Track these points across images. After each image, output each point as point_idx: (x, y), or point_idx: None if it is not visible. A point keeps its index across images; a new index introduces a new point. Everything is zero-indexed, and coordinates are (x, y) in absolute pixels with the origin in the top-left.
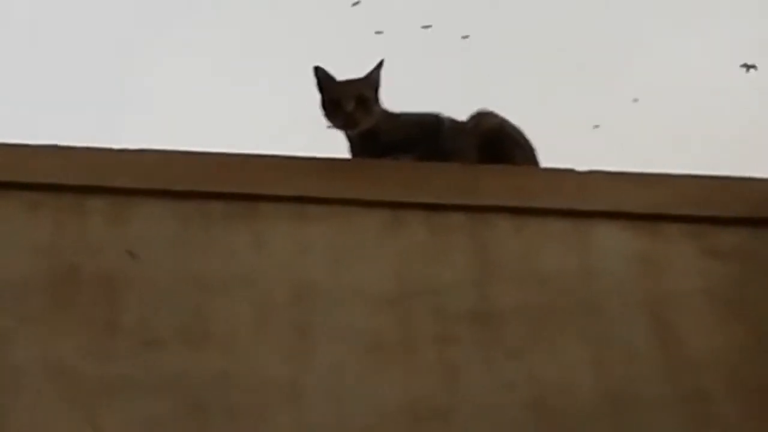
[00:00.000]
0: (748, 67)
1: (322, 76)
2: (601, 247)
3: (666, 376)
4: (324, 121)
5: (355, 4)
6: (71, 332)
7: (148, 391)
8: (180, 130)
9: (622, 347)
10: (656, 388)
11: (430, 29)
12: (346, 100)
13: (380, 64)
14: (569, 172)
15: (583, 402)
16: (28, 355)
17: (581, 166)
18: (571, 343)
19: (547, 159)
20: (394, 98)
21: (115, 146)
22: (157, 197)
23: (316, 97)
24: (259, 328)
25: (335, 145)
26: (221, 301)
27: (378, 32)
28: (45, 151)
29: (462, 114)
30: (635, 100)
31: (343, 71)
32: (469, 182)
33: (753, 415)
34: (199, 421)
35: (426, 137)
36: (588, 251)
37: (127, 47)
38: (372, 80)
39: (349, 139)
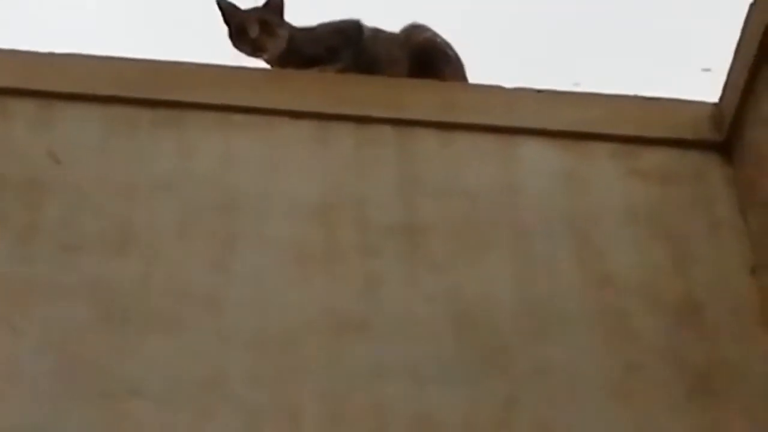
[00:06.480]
0: None
1: (225, 7)
2: (526, 163)
3: (586, 292)
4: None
5: None
6: None
7: (67, 295)
8: (104, 35)
9: (543, 263)
10: (576, 304)
11: None
12: (251, 26)
13: None
14: (497, 89)
15: (504, 316)
16: None
17: None
18: (494, 257)
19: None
20: None
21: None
22: (82, 102)
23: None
24: (182, 236)
25: None
26: (144, 208)
27: None
28: None
29: None
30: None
31: None
32: (397, 95)
33: (669, 331)
34: (117, 326)
35: (348, 44)
36: (513, 167)
37: None
38: (274, 4)
39: (270, 64)
